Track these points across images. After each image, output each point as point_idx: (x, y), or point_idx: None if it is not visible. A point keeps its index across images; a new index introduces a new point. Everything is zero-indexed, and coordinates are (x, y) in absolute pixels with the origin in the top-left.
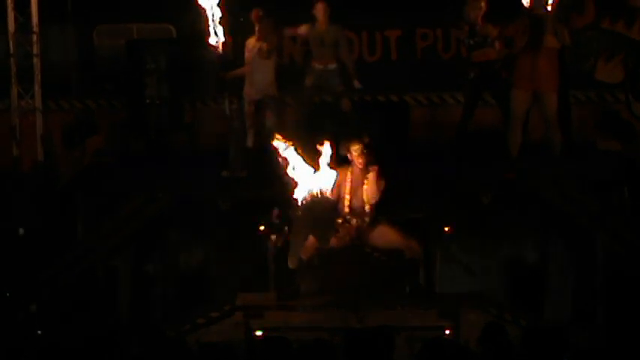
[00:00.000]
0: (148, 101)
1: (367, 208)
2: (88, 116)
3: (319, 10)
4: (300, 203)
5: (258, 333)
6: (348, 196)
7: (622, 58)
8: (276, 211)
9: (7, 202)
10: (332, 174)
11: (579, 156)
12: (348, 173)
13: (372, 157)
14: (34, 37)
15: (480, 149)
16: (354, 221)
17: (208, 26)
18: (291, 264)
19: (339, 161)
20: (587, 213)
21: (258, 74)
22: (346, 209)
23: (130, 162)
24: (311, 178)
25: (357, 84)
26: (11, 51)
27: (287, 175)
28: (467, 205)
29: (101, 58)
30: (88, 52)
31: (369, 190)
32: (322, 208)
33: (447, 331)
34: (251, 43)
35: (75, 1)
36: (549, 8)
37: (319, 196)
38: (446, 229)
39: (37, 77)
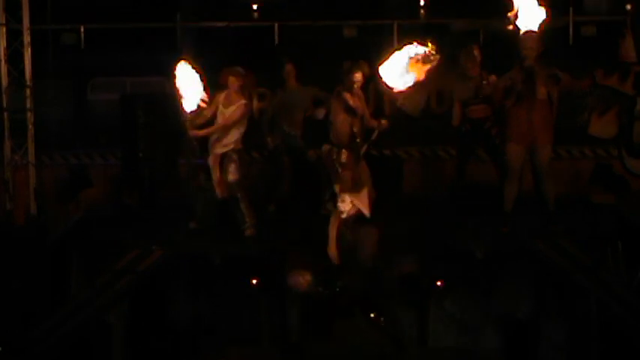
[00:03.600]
0: (141, 155)
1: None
2: (82, 170)
3: (288, 72)
4: None
5: None
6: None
7: (615, 113)
8: None
9: (0, 256)
10: None
11: (573, 210)
12: (350, 97)
13: None
14: (28, 91)
15: (473, 204)
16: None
17: None
18: None
19: None
20: (581, 268)
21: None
22: (355, 129)
23: (123, 216)
24: None
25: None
26: (4, 105)
27: None
28: (460, 260)
29: (95, 112)
30: (82, 106)
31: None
32: None
33: None
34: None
35: (68, 54)
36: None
37: None
38: (438, 283)
39: (30, 131)
